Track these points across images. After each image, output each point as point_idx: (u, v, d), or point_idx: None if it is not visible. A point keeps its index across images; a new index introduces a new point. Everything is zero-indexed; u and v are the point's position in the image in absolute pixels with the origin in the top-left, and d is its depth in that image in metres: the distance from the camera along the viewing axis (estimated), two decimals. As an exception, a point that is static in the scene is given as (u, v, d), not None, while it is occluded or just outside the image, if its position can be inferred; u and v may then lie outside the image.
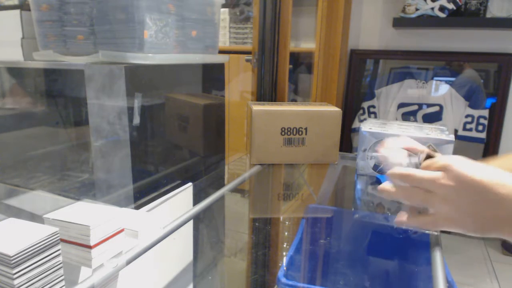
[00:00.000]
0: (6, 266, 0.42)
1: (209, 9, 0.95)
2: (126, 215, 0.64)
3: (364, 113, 2.02)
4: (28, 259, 0.44)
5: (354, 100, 2.05)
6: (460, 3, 1.68)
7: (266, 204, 1.17)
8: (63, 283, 0.49)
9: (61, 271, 0.48)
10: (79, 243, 0.54)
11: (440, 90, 1.90)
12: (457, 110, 1.87)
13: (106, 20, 0.76)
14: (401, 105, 1.94)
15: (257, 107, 1.10)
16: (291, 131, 1.10)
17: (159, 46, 0.79)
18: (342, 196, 1.19)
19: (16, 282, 0.43)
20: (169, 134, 0.93)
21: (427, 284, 0.75)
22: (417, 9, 1.74)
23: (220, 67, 1.14)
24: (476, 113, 1.82)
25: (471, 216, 0.47)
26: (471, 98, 1.84)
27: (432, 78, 1.90)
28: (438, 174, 0.48)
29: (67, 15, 0.79)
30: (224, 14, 2.15)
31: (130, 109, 0.76)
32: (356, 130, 2.03)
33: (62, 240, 0.53)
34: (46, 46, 0.84)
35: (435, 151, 0.56)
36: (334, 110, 1.13)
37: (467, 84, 1.85)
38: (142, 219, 0.66)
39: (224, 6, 2.00)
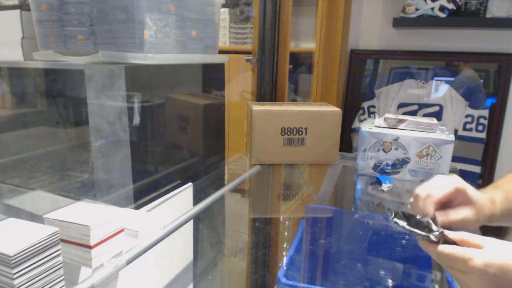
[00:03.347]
0: (6, 266, 0.42)
1: (209, 9, 0.95)
2: (126, 215, 0.64)
3: (364, 113, 2.02)
4: (28, 259, 0.44)
5: (354, 100, 2.04)
6: (460, 3, 1.68)
7: (266, 204, 1.17)
8: (63, 283, 0.49)
9: (61, 271, 0.48)
10: (79, 243, 0.54)
11: (440, 90, 1.89)
12: (457, 110, 1.87)
13: (106, 20, 0.76)
14: (401, 105, 1.94)
15: (257, 107, 1.10)
16: (291, 131, 1.10)
17: (159, 46, 0.79)
18: (342, 196, 1.19)
19: (16, 282, 0.43)
20: (169, 134, 0.93)
21: (427, 284, 0.75)
22: (417, 9, 1.74)
23: (220, 67, 1.14)
24: (476, 113, 1.82)
25: None
26: (471, 98, 1.84)
27: (432, 78, 1.90)
28: (470, 255, 0.45)
29: (67, 15, 0.79)
30: (224, 14, 2.15)
31: (130, 109, 0.76)
32: (356, 130, 2.02)
33: (62, 240, 0.53)
34: (46, 46, 0.84)
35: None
36: (334, 110, 1.13)
37: (467, 84, 1.85)
38: (142, 219, 0.66)
39: (224, 6, 1.99)
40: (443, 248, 0.49)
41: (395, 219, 0.56)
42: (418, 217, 0.55)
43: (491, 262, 0.44)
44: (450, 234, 0.51)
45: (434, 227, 0.53)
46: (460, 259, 0.46)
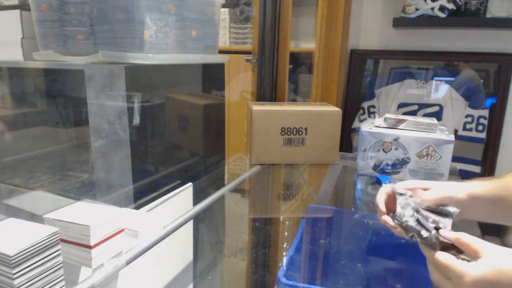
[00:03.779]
0: (6, 266, 0.42)
1: (209, 9, 0.95)
2: (126, 215, 0.64)
3: (364, 113, 2.02)
4: (28, 259, 0.44)
5: (354, 100, 2.04)
6: (460, 3, 1.68)
7: (266, 204, 1.17)
8: (63, 283, 0.49)
9: (61, 271, 0.48)
10: (79, 243, 0.54)
11: (440, 90, 1.89)
12: (457, 110, 1.87)
13: (106, 20, 0.76)
14: (401, 105, 1.94)
15: (257, 107, 1.10)
16: (291, 131, 1.10)
17: (159, 46, 0.79)
18: (342, 196, 1.19)
19: (16, 282, 0.43)
20: (169, 134, 0.93)
21: (426, 284, 0.75)
22: (417, 9, 1.74)
23: (220, 67, 1.14)
24: (476, 113, 1.82)
25: None
26: (471, 98, 1.84)
27: (432, 78, 1.90)
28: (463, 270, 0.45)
29: (67, 15, 0.79)
30: (224, 14, 2.15)
31: (130, 109, 0.76)
32: (356, 130, 2.02)
33: (62, 240, 0.53)
34: (46, 46, 0.84)
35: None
36: (334, 110, 1.13)
37: (467, 84, 1.85)
38: (142, 219, 0.66)
39: (224, 6, 1.99)
40: (439, 255, 0.50)
41: (398, 214, 0.56)
42: (428, 220, 0.54)
43: (482, 279, 0.44)
44: (447, 233, 0.51)
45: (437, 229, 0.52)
46: (452, 273, 0.47)
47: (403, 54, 1.94)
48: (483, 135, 1.84)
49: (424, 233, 0.52)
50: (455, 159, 1.09)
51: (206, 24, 0.94)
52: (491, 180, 0.61)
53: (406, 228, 0.55)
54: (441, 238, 0.50)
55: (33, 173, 0.93)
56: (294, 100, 2.14)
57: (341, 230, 0.98)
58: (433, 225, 0.53)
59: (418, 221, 0.54)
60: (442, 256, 0.49)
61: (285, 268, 0.72)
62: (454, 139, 1.00)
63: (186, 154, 1.02)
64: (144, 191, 0.83)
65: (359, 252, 0.87)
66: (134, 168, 0.78)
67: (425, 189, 0.61)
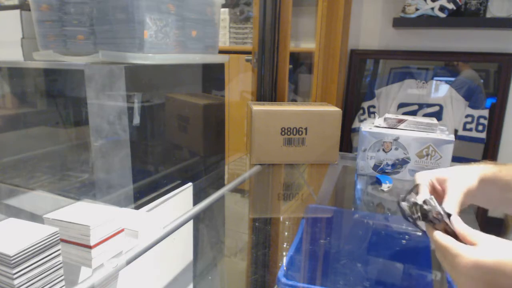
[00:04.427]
0: (6, 266, 0.42)
1: (209, 9, 0.95)
2: (126, 215, 0.64)
3: (364, 113, 2.02)
4: (28, 259, 0.44)
5: (354, 100, 2.04)
6: (460, 3, 1.68)
7: (266, 204, 1.17)
8: (63, 283, 0.49)
9: (61, 271, 0.48)
10: (79, 243, 0.54)
11: (440, 90, 1.89)
12: (457, 110, 1.87)
13: (106, 20, 0.76)
14: (401, 105, 1.94)
15: (257, 107, 1.10)
16: (291, 131, 1.11)
17: (159, 46, 0.79)
18: (342, 196, 1.19)
19: (16, 282, 0.43)
20: (169, 134, 0.93)
21: (427, 284, 0.75)
22: (417, 9, 1.74)
23: (220, 67, 1.14)
24: (476, 113, 1.82)
25: None
26: (471, 98, 1.84)
27: (432, 78, 1.90)
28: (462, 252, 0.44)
29: (67, 15, 0.79)
30: (224, 14, 2.15)
31: (130, 109, 0.76)
32: (356, 130, 2.02)
33: (62, 240, 0.53)
34: (46, 46, 0.84)
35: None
36: (334, 110, 1.13)
37: (467, 84, 1.85)
38: (142, 219, 0.66)
39: (224, 6, 1.99)
40: (438, 235, 0.49)
41: (403, 204, 0.56)
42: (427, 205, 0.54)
43: (479, 262, 0.42)
44: (456, 220, 0.50)
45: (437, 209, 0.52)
46: (449, 253, 0.45)
47: (403, 54, 1.94)
48: (483, 135, 1.84)
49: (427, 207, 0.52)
50: (455, 159, 1.09)
51: (206, 24, 0.94)
52: (500, 165, 0.60)
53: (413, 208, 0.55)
54: (452, 220, 0.50)
55: (33, 173, 0.93)
56: (294, 100, 2.14)
57: (341, 230, 0.98)
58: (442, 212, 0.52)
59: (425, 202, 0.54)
60: (441, 237, 0.48)
61: (285, 268, 0.73)
62: (454, 139, 1.00)
63: (186, 154, 1.02)
64: (144, 191, 0.83)
65: (359, 252, 0.87)
66: (134, 168, 0.78)
67: (442, 181, 0.60)
